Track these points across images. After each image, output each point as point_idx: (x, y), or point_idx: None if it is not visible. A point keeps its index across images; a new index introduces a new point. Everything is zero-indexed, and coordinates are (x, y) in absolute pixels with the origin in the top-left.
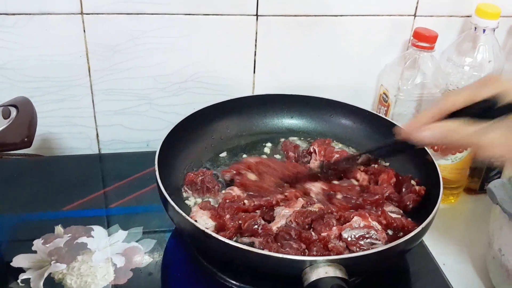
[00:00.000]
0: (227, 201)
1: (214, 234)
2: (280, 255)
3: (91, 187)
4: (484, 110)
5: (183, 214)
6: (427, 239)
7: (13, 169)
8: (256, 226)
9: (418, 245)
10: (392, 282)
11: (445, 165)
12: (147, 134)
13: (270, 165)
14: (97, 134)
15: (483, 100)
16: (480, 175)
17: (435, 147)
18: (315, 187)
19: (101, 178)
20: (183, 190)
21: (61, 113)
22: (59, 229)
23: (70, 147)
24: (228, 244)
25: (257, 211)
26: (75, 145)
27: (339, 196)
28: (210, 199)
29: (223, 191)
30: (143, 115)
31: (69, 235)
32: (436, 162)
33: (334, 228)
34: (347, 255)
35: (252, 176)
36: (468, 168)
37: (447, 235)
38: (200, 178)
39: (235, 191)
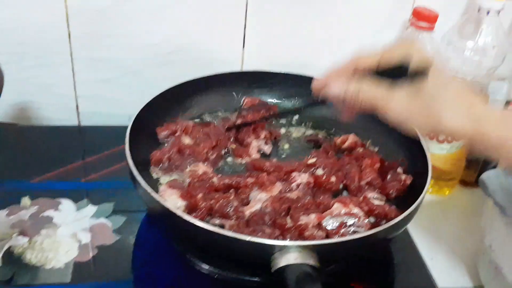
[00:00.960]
0: (196, 180)
1: (179, 213)
2: (249, 238)
3: (65, 159)
4: (392, 74)
5: (150, 191)
6: (416, 231)
7: None
8: (229, 209)
9: (404, 236)
10: (374, 272)
11: (439, 154)
12: (130, 107)
13: (205, 130)
14: (77, 106)
15: (392, 65)
16: (477, 168)
17: (431, 135)
18: (301, 178)
19: (76, 151)
20: (151, 171)
21: (39, 80)
22: (25, 200)
23: (49, 117)
24: (194, 224)
25: (230, 190)
26: (54, 115)
27: None
28: (177, 177)
29: (188, 169)
30: (126, 86)
31: (36, 207)
32: (427, 150)
33: (313, 215)
34: (319, 241)
35: (186, 140)
36: (464, 159)
37: (439, 228)
38: (166, 156)
39: (200, 167)
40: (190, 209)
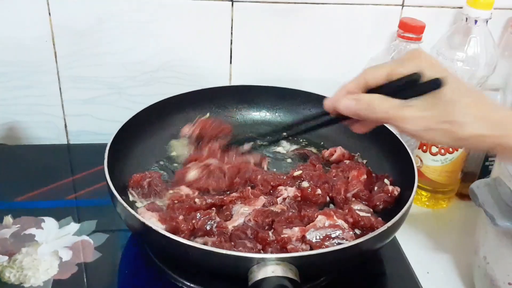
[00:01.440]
0: (176, 201)
1: (157, 228)
2: (225, 251)
3: (49, 178)
4: (404, 87)
5: (129, 208)
6: (412, 245)
7: None
8: (210, 225)
9: (394, 249)
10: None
11: (434, 166)
12: (118, 125)
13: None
14: (65, 124)
15: (403, 77)
16: (473, 180)
17: (424, 147)
18: (288, 192)
19: (61, 169)
20: (128, 193)
21: (27, 100)
22: (8, 219)
23: (38, 137)
24: (170, 238)
25: (212, 208)
26: (42, 135)
27: None
28: (156, 201)
29: (170, 192)
30: (113, 105)
31: (18, 226)
32: (414, 161)
33: (296, 229)
34: (298, 253)
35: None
36: (460, 171)
37: (436, 241)
38: (147, 180)
39: (183, 190)
40: (172, 232)
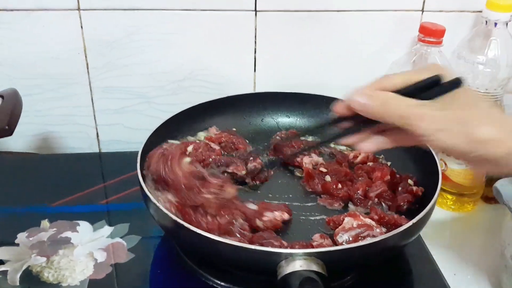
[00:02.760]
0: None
1: (186, 224)
2: (255, 247)
3: (82, 184)
4: (422, 89)
5: (162, 208)
6: (438, 247)
7: (9, 166)
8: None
9: (420, 250)
10: (391, 283)
11: (459, 170)
12: (147, 133)
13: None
14: (97, 134)
15: (423, 80)
16: None
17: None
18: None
19: (94, 176)
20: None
21: (60, 111)
22: (45, 223)
23: (71, 146)
24: (200, 235)
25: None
26: (75, 144)
27: None
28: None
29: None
30: (142, 114)
31: (55, 229)
32: (439, 163)
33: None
34: (324, 249)
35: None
36: (485, 174)
37: (462, 244)
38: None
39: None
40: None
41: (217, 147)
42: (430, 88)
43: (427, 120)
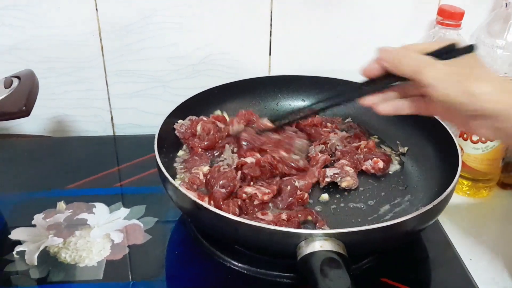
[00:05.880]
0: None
1: (205, 205)
2: (274, 227)
3: (99, 167)
4: (438, 53)
5: (180, 188)
6: (454, 233)
7: (24, 149)
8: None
9: (439, 235)
10: (408, 270)
11: (475, 155)
12: (161, 118)
13: None
14: (112, 117)
15: (438, 49)
16: None
17: (465, 135)
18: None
19: (110, 159)
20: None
21: (75, 95)
22: (61, 205)
23: (86, 130)
24: (220, 215)
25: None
26: (90, 128)
27: None
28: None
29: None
30: (157, 98)
31: (71, 211)
32: (458, 145)
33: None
34: (344, 230)
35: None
36: (501, 159)
37: (478, 230)
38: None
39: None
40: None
41: (222, 126)
42: (446, 52)
43: (434, 71)
